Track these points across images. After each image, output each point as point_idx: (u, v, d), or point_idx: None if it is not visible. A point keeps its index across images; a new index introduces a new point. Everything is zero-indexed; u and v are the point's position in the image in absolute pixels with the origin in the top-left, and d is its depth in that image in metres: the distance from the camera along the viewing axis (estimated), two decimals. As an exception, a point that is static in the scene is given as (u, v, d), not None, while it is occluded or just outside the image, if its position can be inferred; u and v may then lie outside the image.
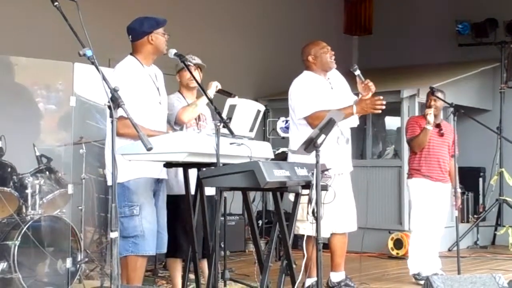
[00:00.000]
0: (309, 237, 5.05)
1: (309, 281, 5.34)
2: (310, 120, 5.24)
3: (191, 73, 4.52)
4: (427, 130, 6.16)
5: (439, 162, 6.31)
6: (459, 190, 6.37)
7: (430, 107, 6.27)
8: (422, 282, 6.10)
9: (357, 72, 5.38)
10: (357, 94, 5.55)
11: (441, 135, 6.34)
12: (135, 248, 4.19)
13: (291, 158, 5.20)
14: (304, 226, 5.15)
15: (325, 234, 5.35)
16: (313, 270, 5.31)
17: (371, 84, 5.40)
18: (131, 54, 4.42)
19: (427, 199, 6.27)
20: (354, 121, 5.58)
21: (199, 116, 5.15)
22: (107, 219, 5.79)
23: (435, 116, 6.29)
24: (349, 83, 5.68)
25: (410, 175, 6.37)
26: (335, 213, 5.35)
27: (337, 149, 5.33)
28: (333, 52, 5.50)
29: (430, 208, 6.30)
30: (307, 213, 4.18)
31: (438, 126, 6.36)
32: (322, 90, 5.39)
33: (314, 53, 5.50)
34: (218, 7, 9.11)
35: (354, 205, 5.64)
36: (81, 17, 3.02)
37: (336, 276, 5.53)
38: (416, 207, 6.32)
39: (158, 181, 4.40)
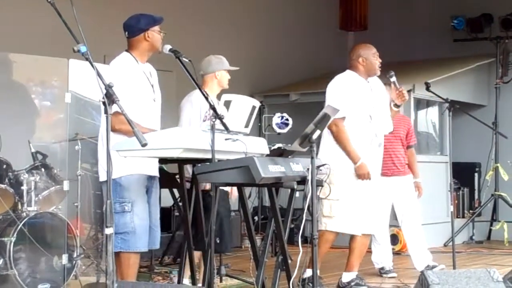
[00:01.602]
0: (331, 232, 5.34)
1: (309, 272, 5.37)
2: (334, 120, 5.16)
3: (188, 71, 4.48)
4: None
5: (392, 158, 6.36)
6: (418, 180, 6.55)
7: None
8: (389, 275, 6.38)
9: (393, 79, 5.51)
10: None
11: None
12: (124, 244, 4.18)
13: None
14: (331, 222, 5.33)
15: (352, 230, 5.48)
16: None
17: (405, 92, 5.57)
18: (126, 50, 4.42)
19: (386, 196, 6.27)
20: (390, 127, 5.67)
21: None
22: (103, 216, 5.79)
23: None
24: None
25: None
26: (364, 214, 5.41)
27: (369, 151, 5.43)
28: (380, 60, 5.55)
29: (396, 204, 6.44)
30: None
31: None
32: (361, 91, 5.45)
33: (366, 56, 5.51)
34: (213, 2, 9.11)
35: (384, 207, 5.75)
36: (75, 13, 3.02)
37: (347, 276, 5.54)
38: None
39: (150, 178, 4.39)
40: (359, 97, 5.39)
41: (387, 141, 6.33)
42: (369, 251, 6.21)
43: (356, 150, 5.33)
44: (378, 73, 5.54)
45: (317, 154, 4.27)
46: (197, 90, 5.17)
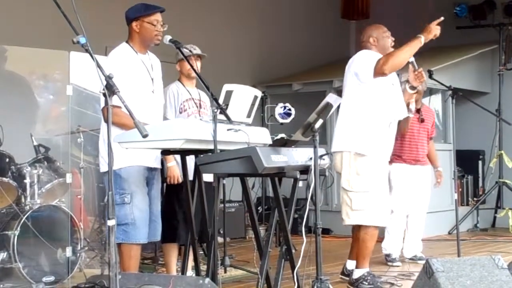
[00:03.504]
0: (366, 226, 5.12)
1: (359, 272, 5.27)
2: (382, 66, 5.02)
3: (188, 62, 4.46)
4: (409, 118, 6.16)
5: (418, 148, 6.46)
6: (440, 169, 6.64)
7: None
8: (392, 264, 6.30)
9: (411, 59, 5.34)
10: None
11: (422, 121, 6.42)
12: (126, 236, 4.17)
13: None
14: (362, 215, 5.15)
15: (381, 223, 5.25)
16: (366, 260, 5.28)
17: (424, 73, 5.45)
18: (126, 41, 4.38)
19: (407, 184, 6.40)
20: (403, 112, 5.50)
21: (200, 104, 5.14)
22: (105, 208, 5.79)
23: (416, 101, 6.34)
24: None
25: (389, 161, 6.40)
26: (383, 206, 5.23)
27: (387, 134, 5.28)
28: (393, 38, 5.42)
29: (411, 192, 6.43)
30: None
31: (418, 111, 6.42)
32: None
33: (377, 36, 5.41)
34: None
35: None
36: (74, 4, 3.00)
37: (358, 272, 5.29)
38: (397, 191, 6.37)
39: (151, 170, 4.38)
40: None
41: (417, 131, 6.36)
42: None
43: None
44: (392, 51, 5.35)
45: (321, 142, 4.18)
46: (175, 82, 5.16)
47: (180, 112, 5.07)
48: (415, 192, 6.47)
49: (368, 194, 5.14)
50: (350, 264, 5.58)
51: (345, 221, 5.27)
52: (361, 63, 5.19)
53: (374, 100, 5.17)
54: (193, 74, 5.01)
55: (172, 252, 5.13)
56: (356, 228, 5.39)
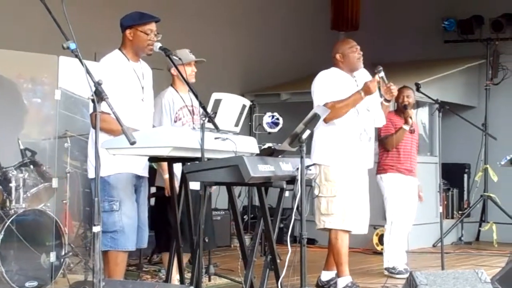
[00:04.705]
0: (335, 230, 5.28)
1: (343, 281, 5.33)
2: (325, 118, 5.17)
3: (177, 69, 4.46)
4: (404, 130, 6.28)
5: (411, 158, 6.53)
6: (419, 183, 6.67)
7: (405, 105, 6.37)
8: (398, 276, 6.24)
9: (381, 74, 5.45)
10: None
11: (412, 132, 6.47)
12: (114, 243, 4.16)
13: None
14: (330, 220, 5.32)
15: (350, 227, 5.40)
16: (344, 267, 5.35)
17: (393, 87, 5.53)
18: (119, 48, 4.38)
19: (401, 194, 6.45)
20: (381, 121, 5.66)
21: (193, 110, 5.14)
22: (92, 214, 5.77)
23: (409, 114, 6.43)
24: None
25: (383, 170, 6.46)
26: (355, 212, 5.39)
27: (359, 145, 5.40)
28: (361, 52, 5.50)
29: (404, 202, 6.47)
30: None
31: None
32: (346, 86, 5.41)
33: (342, 52, 5.48)
34: (206, 2, 9.08)
35: (368, 205, 5.63)
36: (65, 10, 3.00)
37: (342, 282, 5.37)
38: (392, 201, 6.43)
39: (139, 177, 4.37)
40: (344, 92, 5.35)
41: (410, 141, 6.42)
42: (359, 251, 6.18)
43: None
44: (360, 66, 5.50)
45: (308, 152, 4.25)
46: (168, 89, 5.18)
47: (175, 121, 5.07)
48: (405, 203, 6.48)
49: (335, 199, 5.30)
50: (325, 276, 5.63)
51: (317, 226, 5.44)
52: (315, 90, 5.44)
53: None
54: (192, 80, 5.07)
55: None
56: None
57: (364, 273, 6.51)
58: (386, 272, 6.39)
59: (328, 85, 5.38)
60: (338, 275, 5.39)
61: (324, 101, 5.23)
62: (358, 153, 5.42)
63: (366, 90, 5.27)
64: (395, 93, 5.59)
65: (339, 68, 5.49)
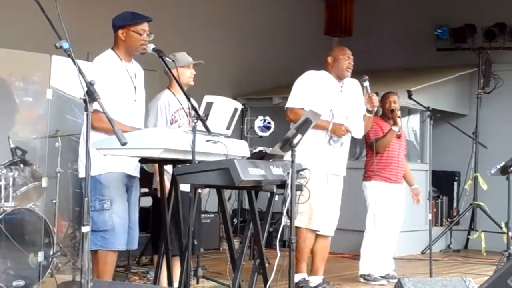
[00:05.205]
0: (298, 228, 5.35)
1: (298, 277, 5.43)
2: (289, 113, 5.48)
3: (170, 71, 4.45)
4: (394, 131, 6.33)
5: (398, 164, 6.51)
6: (416, 186, 6.69)
7: (393, 109, 6.42)
8: (373, 282, 6.29)
9: (366, 84, 5.59)
10: None
11: (398, 137, 6.49)
12: (104, 242, 4.15)
13: None
14: (298, 219, 5.35)
15: (330, 232, 5.54)
16: (300, 263, 5.51)
17: (375, 98, 5.63)
18: (112, 48, 4.37)
19: (384, 202, 6.44)
20: (359, 132, 5.74)
21: (190, 112, 5.13)
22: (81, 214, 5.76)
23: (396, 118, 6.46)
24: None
25: (368, 177, 6.46)
26: (323, 214, 5.43)
27: (328, 150, 5.43)
28: (352, 63, 5.57)
29: (387, 210, 6.47)
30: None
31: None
32: (329, 90, 5.45)
33: (335, 56, 5.59)
34: (199, 5, 9.09)
35: (339, 210, 5.72)
36: (58, 9, 2.99)
37: (315, 280, 5.55)
38: (372, 210, 6.43)
39: (131, 177, 4.36)
40: (322, 94, 5.42)
41: (397, 147, 6.45)
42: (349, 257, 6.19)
43: None
44: (347, 75, 5.58)
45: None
46: (165, 92, 5.15)
47: (171, 123, 5.06)
48: (390, 211, 6.49)
49: (304, 199, 5.30)
50: (312, 281, 5.68)
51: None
52: (292, 91, 5.59)
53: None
54: (191, 83, 5.06)
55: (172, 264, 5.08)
56: None
57: (353, 279, 6.50)
58: (361, 279, 6.41)
59: (304, 90, 5.46)
60: (295, 271, 5.44)
61: (295, 104, 5.36)
62: (329, 157, 5.47)
63: (333, 130, 5.41)
64: (376, 103, 5.68)
65: (328, 71, 5.58)
